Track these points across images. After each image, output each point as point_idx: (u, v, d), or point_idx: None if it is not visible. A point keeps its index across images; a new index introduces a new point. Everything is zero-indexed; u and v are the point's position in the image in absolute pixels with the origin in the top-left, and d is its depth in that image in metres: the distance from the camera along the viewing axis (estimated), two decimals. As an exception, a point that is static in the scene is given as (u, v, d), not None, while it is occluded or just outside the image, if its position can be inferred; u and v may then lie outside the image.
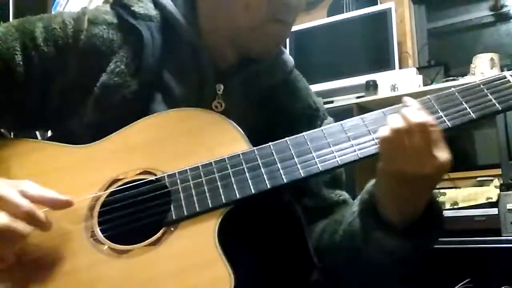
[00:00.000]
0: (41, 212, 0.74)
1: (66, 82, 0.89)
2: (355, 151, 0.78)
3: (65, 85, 0.89)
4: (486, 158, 2.74)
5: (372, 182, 0.82)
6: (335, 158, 0.78)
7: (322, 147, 0.79)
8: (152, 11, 0.93)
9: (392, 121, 0.72)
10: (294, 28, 3.37)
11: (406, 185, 0.74)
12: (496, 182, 2.19)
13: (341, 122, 0.81)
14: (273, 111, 0.95)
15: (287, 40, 2.96)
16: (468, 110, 0.79)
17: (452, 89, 0.81)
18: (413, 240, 0.77)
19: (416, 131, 0.71)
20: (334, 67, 2.81)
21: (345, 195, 0.99)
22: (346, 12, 2.95)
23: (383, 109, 0.81)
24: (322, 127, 0.82)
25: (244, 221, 0.80)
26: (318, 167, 0.78)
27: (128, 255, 0.75)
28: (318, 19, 3.02)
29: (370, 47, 2.80)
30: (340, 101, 2.70)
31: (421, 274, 1.99)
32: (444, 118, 0.79)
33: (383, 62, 2.68)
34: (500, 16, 2.86)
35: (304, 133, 0.81)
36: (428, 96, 0.80)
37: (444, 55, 2.92)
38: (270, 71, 0.98)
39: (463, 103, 0.80)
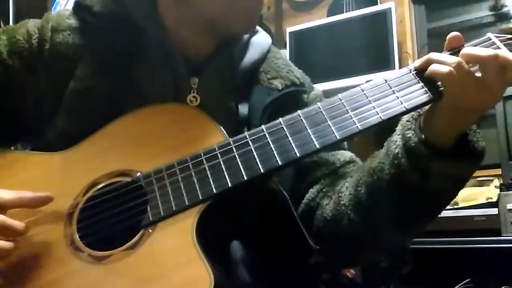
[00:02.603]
0: (13, 221, 0.74)
1: (38, 93, 0.88)
2: (325, 134, 0.75)
3: (37, 96, 0.88)
4: (486, 158, 2.71)
5: (404, 124, 0.80)
6: (312, 141, 0.74)
7: (299, 131, 0.76)
8: (114, 9, 0.90)
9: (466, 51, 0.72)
10: (294, 28, 3.33)
11: (468, 114, 0.74)
12: (496, 182, 2.18)
13: (319, 104, 0.78)
14: (253, 93, 0.92)
15: (287, 40, 2.96)
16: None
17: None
18: (466, 160, 0.78)
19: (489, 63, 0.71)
20: (334, 67, 2.81)
21: (349, 153, 0.98)
22: (346, 12, 2.95)
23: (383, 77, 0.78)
24: (298, 111, 0.78)
25: (233, 214, 0.79)
26: (295, 152, 0.74)
27: (107, 261, 0.73)
28: (318, 19, 3.02)
29: (370, 47, 2.79)
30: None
31: (421, 274, 1.99)
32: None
33: (383, 62, 2.68)
34: (500, 16, 2.85)
35: (280, 118, 0.77)
36: (409, 67, 0.78)
37: (444, 55, 2.91)
38: (244, 54, 0.95)
39: None
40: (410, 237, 0.95)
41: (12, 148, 0.97)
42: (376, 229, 0.85)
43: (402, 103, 0.74)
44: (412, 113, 0.80)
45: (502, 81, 0.71)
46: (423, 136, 0.77)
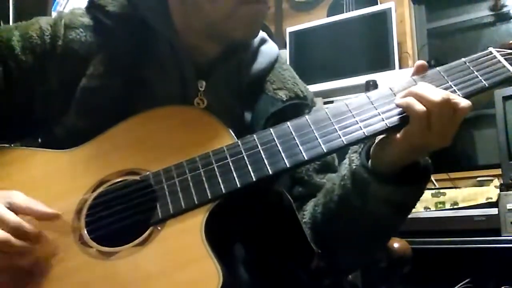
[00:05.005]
0: (29, 225, 0.74)
1: (48, 89, 0.89)
2: (340, 136, 0.77)
3: (47, 92, 0.89)
4: (486, 158, 2.73)
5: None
6: (320, 145, 0.76)
7: (307, 135, 0.77)
8: (126, 9, 0.91)
9: (431, 94, 0.72)
10: (294, 28, 3.33)
11: (420, 152, 0.77)
12: (496, 182, 2.19)
13: (325, 107, 0.80)
14: (258, 101, 0.93)
15: (287, 40, 2.96)
16: (454, 88, 0.77)
17: (437, 68, 0.80)
18: (407, 186, 0.79)
19: (447, 107, 0.72)
20: (334, 67, 2.81)
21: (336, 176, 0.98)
22: (346, 12, 2.95)
23: (389, 86, 0.80)
24: (305, 115, 0.80)
25: (238, 214, 0.79)
26: (303, 155, 0.76)
27: (116, 257, 0.74)
28: (318, 19, 3.02)
29: (370, 47, 2.79)
30: (340, 101, 2.68)
31: (421, 274, 1.99)
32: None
33: (383, 62, 2.68)
34: (500, 16, 2.85)
35: (288, 122, 0.79)
36: (413, 77, 0.79)
37: (444, 55, 2.92)
38: (252, 62, 0.96)
39: (448, 81, 0.78)
40: (365, 259, 0.97)
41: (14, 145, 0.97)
42: (329, 248, 0.88)
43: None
44: None
45: (453, 124, 0.73)
46: (366, 159, 0.80)
